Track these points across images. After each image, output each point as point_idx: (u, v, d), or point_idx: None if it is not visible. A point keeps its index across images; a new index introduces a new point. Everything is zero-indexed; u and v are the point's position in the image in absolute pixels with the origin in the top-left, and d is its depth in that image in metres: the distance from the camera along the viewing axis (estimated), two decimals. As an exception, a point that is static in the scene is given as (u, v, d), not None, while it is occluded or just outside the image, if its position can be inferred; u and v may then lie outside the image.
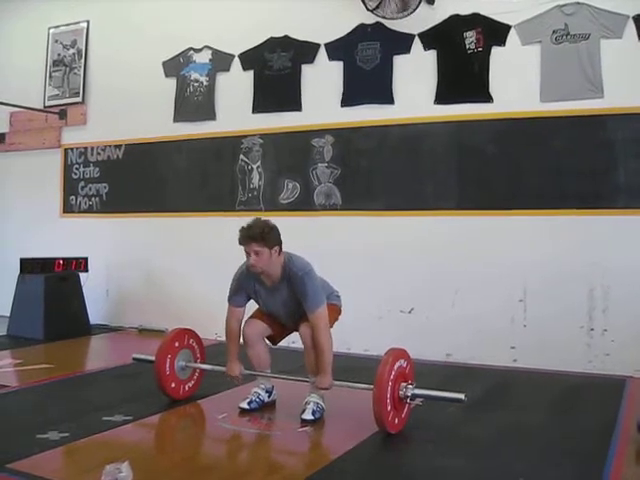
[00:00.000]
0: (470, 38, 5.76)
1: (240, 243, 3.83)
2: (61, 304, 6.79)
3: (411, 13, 5.74)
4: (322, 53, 6.41)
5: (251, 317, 4.19)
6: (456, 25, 5.83)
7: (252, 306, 4.21)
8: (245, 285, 4.05)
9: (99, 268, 7.32)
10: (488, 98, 5.72)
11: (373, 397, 3.50)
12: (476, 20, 5.75)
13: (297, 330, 4.02)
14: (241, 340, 4.15)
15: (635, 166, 5.24)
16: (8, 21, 8.30)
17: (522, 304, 5.56)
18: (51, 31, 8.03)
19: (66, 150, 7.92)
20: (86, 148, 7.77)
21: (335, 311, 4.16)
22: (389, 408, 3.55)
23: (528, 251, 5.53)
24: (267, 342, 4.26)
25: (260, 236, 3.76)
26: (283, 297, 3.98)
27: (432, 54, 5.95)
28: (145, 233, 7.31)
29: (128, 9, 7.49)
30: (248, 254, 3.82)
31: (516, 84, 5.62)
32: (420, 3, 5.70)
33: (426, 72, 5.95)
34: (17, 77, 8.08)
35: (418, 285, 5.92)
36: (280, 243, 3.86)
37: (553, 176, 5.49)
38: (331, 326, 3.99)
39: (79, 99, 7.78)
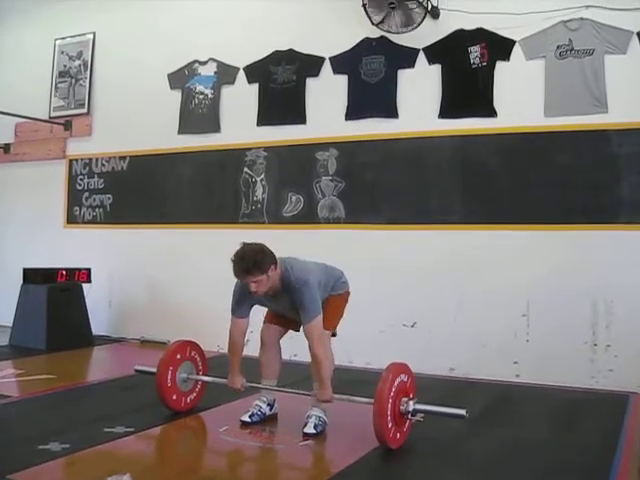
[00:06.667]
0: (474, 53, 5.78)
1: (236, 277, 3.81)
2: (64, 315, 6.78)
3: (416, 27, 5.77)
4: (327, 66, 6.43)
5: (265, 322, 4.23)
6: (461, 40, 5.85)
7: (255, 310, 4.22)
8: (247, 295, 4.01)
9: (102, 279, 7.33)
10: (492, 113, 5.73)
11: (374, 414, 3.48)
12: (481, 35, 5.77)
13: None
14: (245, 351, 4.14)
15: (638, 181, 5.25)
16: (15, 32, 8.35)
17: (525, 319, 5.54)
18: (57, 42, 8.08)
19: (71, 161, 7.94)
20: (91, 159, 7.79)
21: (343, 300, 4.24)
22: (390, 425, 3.53)
23: (531, 266, 5.52)
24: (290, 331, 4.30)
25: (254, 267, 3.69)
26: (286, 303, 3.97)
27: (437, 68, 5.97)
28: (148, 245, 7.30)
29: (134, 21, 7.54)
30: (247, 282, 3.81)
31: (520, 99, 5.63)
32: (425, 17, 5.73)
33: (430, 86, 5.97)
34: (23, 88, 8.11)
35: (421, 299, 5.91)
36: (274, 261, 3.79)
37: (556, 191, 5.48)
38: (341, 315, 4.12)
39: (84, 110, 7.81)
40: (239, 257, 3.73)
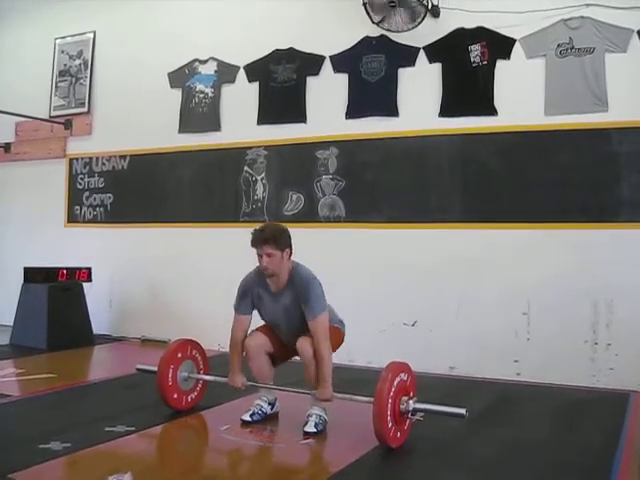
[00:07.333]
0: (475, 51, 5.78)
1: (252, 245, 3.87)
2: (64, 314, 6.79)
3: (416, 26, 5.76)
4: (327, 65, 6.43)
5: (254, 330, 4.18)
6: (461, 38, 5.85)
7: (256, 321, 4.21)
8: (250, 290, 4.06)
9: (103, 278, 7.33)
10: (493, 111, 5.73)
11: (373, 413, 3.48)
12: (481, 33, 5.77)
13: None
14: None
15: (639, 180, 5.24)
16: (15, 31, 8.35)
17: (526, 317, 5.54)
18: (57, 41, 8.08)
19: (71, 160, 7.94)
20: (91, 158, 7.80)
21: (338, 334, 4.13)
22: (390, 424, 3.53)
23: (532, 264, 5.52)
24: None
25: (272, 239, 3.82)
26: (286, 304, 3.97)
27: (437, 67, 5.97)
28: (149, 243, 7.31)
29: (134, 20, 7.53)
30: (260, 256, 3.85)
31: (521, 97, 5.63)
32: (425, 16, 5.73)
33: (431, 85, 5.97)
34: (23, 87, 8.13)
35: (421, 298, 5.91)
36: (290, 246, 3.91)
37: (557, 190, 5.48)
38: (334, 350, 3.99)
39: (85, 109, 7.82)
40: (261, 227, 3.92)
